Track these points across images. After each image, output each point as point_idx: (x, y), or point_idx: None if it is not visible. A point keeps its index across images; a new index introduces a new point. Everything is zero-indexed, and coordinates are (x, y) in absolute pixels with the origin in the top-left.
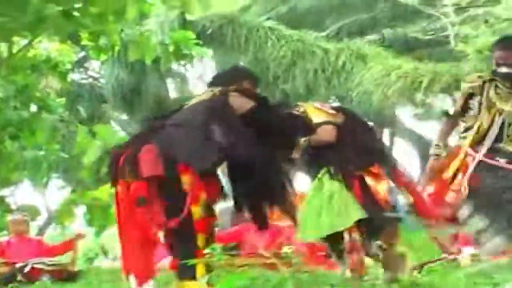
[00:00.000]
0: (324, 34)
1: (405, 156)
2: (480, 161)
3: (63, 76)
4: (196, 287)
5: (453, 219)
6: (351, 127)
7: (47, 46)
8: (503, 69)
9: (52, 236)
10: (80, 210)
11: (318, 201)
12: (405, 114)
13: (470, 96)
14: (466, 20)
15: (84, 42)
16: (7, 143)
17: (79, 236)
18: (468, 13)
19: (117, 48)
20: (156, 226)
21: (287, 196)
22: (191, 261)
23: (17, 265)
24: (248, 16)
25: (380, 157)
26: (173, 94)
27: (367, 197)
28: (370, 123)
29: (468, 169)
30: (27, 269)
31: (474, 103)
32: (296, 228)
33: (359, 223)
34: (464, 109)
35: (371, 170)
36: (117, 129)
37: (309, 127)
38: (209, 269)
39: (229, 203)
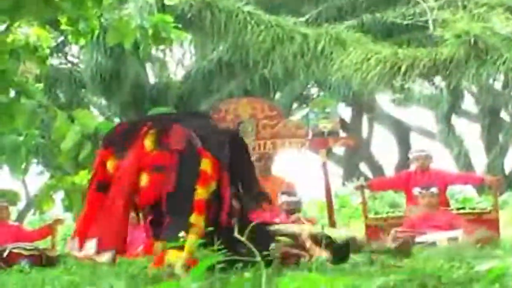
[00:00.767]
0: (303, 19)
1: (384, 142)
2: None
3: (42, 61)
4: (175, 256)
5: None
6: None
7: (26, 31)
8: None
9: (31, 222)
10: (59, 196)
11: None
12: (384, 100)
13: None
14: (444, 5)
15: (63, 27)
16: None
17: (58, 221)
18: None
19: (96, 32)
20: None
21: None
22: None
23: None
24: (227, 1)
25: None
26: (152, 79)
27: None
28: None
29: None
30: (5, 254)
31: None
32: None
33: None
34: None
35: None
36: (96, 114)
37: None
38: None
39: None
